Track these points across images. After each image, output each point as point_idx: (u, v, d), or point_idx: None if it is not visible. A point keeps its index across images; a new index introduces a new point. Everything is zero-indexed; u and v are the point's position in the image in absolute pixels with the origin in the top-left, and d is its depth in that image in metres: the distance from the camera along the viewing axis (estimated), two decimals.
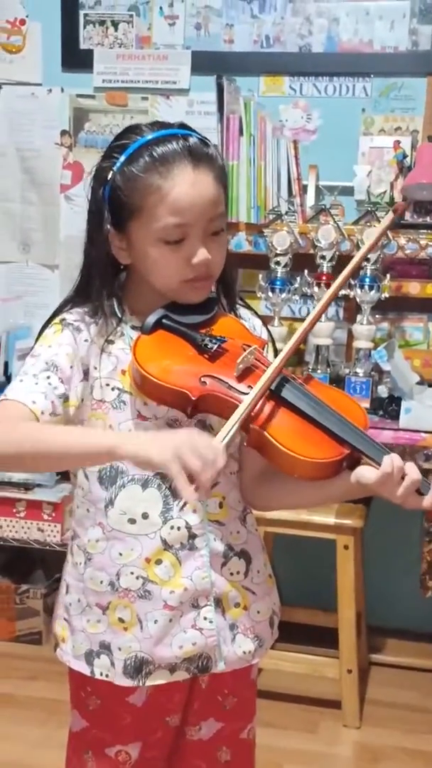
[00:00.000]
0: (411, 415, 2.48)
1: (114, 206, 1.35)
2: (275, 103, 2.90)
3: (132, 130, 1.38)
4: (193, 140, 1.34)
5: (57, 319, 1.40)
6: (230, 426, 1.24)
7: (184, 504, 1.22)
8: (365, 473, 1.28)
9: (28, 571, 3.11)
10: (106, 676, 1.43)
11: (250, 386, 1.31)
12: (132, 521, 1.38)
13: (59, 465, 1.42)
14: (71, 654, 1.46)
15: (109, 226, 1.35)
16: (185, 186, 1.31)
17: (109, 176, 1.35)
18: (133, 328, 1.40)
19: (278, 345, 2.56)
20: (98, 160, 1.40)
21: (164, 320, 1.37)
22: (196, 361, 1.35)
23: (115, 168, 1.34)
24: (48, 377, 1.32)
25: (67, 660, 1.47)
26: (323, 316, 2.62)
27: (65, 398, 1.33)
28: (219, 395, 1.30)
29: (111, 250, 1.37)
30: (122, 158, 1.34)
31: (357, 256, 1.43)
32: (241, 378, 1.33)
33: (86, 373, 1.37)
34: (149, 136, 1.34)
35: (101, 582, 1.41)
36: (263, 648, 1.49)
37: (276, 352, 1.49)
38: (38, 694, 2.71)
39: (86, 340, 1.38)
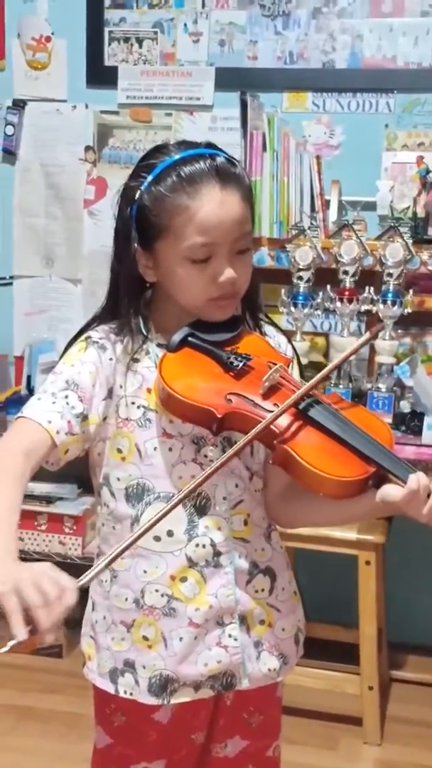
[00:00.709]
0: None
1: (141, 225, 1.36)
2: (298, 119, 2.91)
3: (159, 149, 1.39)
4: (220, 160, 1.35)
5: (82, 337, 1.41)
6: (95, 569, 1.16)
7: (17, 644, 1.07)
8: (391, 491, 1.27)
9: None
10: (131, 694, 1.43)
11: (275, 404, 1.32)
12: (157, 539, 1.38)
13: None
14: (96, 672, 1.47)
15: (136, 245, 1.36)
16: (212, 206, 1.32)
17: (137, 196, 1.36)
18: (159, 345, 1.40)
19: (301, 359, 2.59)
20: (125, 179, 1.41)
21: (190, 338, 1.38)
22: (221, 378, 1.35)
23: (142, 187, 1.35)
24: (66, 396, 1.33)
25: (92, 678, 1.48)
26: (345, 330, 2.66)
27: (84, 417, 1.34)
28: (244, 413, 1.31)
29: (138, 268, 1.38)
30: (150, 178, 1.35)
31: (332, 364, 1.48)
32: (266, 396, 1.33)
33: (110, 392, 1.38)
34: (176, 156, 1.35)
35: (126, 599, 1.42)
36: (288, 665, 1.49)
37: (301, 369, 1.49)
38: (58, 707, 2.71)
39: (111, 359, 1.38)
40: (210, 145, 1.39)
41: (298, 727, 2.59)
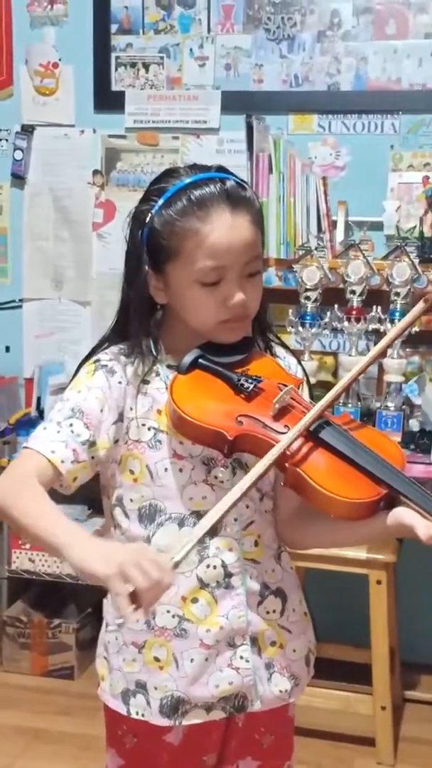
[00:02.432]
0: None
1: (152, 248, 1.37)
2: (304, 141, 2.94)
3: (170, 173, 1.40)
4: (230, 183, 1.35)
5: (91, 360, 1.42)
6: (188, 545, 1.19)
7: (123, 623, 1.15)
8: (411, 520, 1.25)
9: (61, 606, 3.12)
10: (142, 715, 1.43)
11: (286, 426, 1.32)
12: None
13: (32, 541, 1.33)
14: (109, 693, 1.47)
15: (147, 267, 1.37)
16: (223, 230, 1.33)
17: (147, 219, 1.37)
18: (169, 367, 1.41)
19: (310, 380, 2.60)
20: (133, 202, 1.42)
21: (200, 360, 1.38)
22: (232, 400, 1.35)
23: (153, 211, 1.37)
24: (71, 425, 1.34)
25: (106, 699, 1.48)
26: (353, 349, 2.67)
27: (91, 444, 1.34)
28: (255, 435, 1.31)
29: (148, 290, 1.39)
30: (160, 201, 1.36)
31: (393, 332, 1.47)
32: (277, 417, 1.34)
33: (121, 415, 1.39)
34: (187, 180, 1.36)
35: (137, 620, 1.42)
36: (299, 687, 1.49)
37: (311, 390, 1.50)
38: (71, 729, 2.71)
39: (120, 382, 1.39)
40: (221, 169, 1.40)
41: (312, 748, 2.58)
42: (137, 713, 1.43)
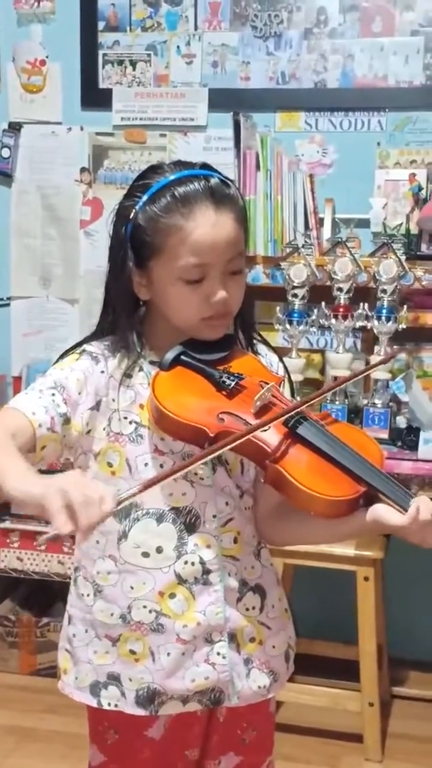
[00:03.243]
0: (430, 446, 2.47)
1: (135, 244, 1.37)
2: (291, 138, 2.94)
3: (154, 169, 1.40)
4: (214, 181, 1.36)
5: (77, 349, 1.43)
6: (135, 488, 1.20)
7: (55, 536, 1.13)
8: (388, 515, 1.27)
9: (49, 605, 3.12)
10: (116, 706, 1.43)
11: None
12: (146, 555, 1.39)
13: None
14: (73, 686, 1.47)
15: (131, 264, 1.38)
16: (206, 227, 1.33)
17: (131, 215, 1.37)
18: (151, 363, 1.42)
19: (297, 376, 2.59)
20: (120, 198, 1.42)
21: (183, 356, 1.39)
22: (214, 397, 1.36)
23: (137, 207, 1.37)
24: (53, 395, 1.34)
25: (69, 692, 1.48)
26: (341, 347, 2.67)
27: (66, 419, 1.35)
28: (236, 432, 1.31)
29: (132, 286, 1.39)
30: (144, 198, 1.36)
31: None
32: (258, 415, 1.34)
33: (98, 404, 1.39)
34: (171, 177, 1.36)
35: (112, 614, 1.42)
36: (278, 683, 1.49)
37: (292, 388, 1.50)
38: (59, 728, 2.70)
39: (102, 372, 1.39)
40: (205, 166, 1.40)
41: (299, 744, 2.59)
42: (110, 704, 1.43)
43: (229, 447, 1.27)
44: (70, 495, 1.11)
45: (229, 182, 1.39)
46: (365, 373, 1.44)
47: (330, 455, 1.32)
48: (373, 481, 1.29)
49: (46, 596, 3.12)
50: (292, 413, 1.33)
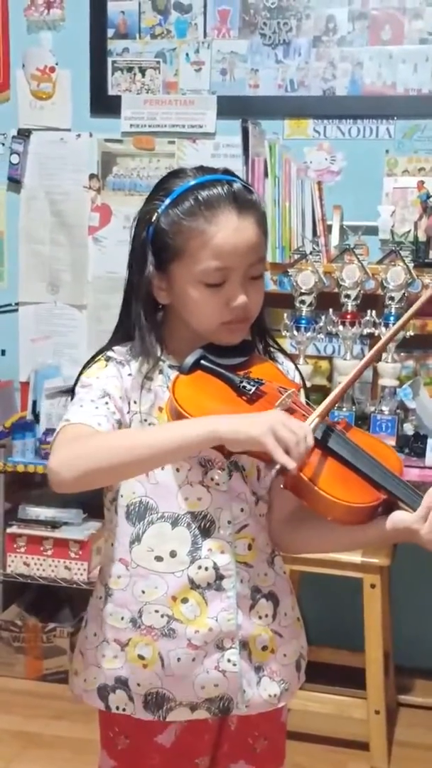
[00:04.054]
0: None
1: (157, 247, 1.38)
2: (300, 146, 2.95)
3: (176, 174, 1.41)
4: (237, 186, 1.37)
5: (101, 356, 1.43)
6: (315, 414, 1.31)
7: (280, 470, 1.23)
8: (402, 516, 1.29)
9: (55, 610, 3.12)
10: (123, 710, 1.43)
11: None
12: (159, 559, 1.39)
13: (155, 463, 1.33)
14: (82, 687, 1.47)
15: (151, 267, 1.38)
16: (229, 231, 1.34)
17: (153, 218, 1.38)
18: (170, 367, 1.42)
19: (306, 384, 2.59)
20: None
21: (203, 361, 1.39)
22: (234, 402, 1.36)
23: (159, 210, 1.37)
24: (106, 404, 1.35)
25: (78, 693, 1.48)
26: (348, 353, 2.67)
27: (120, 425, 1.36)
28: None
29: (152, 290, 1.40)
30: (167, 201, 1.37)
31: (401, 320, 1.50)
32: None
33: (130, 406, 1.40)
34: (195, 181, 1.37)
35: (122, 618, 1.42)
36: (289, 692, 1.48)
37: (307, 396, 1.50)
38: (65, 733, 2.70)
39: (129, 374, 1.40)
40: (227, 172, 1.41)
41: (305, 752, 2.58)
42: (117, 708, 1.43)
43: (322, 410, 1.34)
44: (282, 435, 1.22)
45: (251, 188, 1.40)
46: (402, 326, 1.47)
47: (350, 462, 1.32)
48: (393, 489, 1.30)
49: (52, 601, 3.12)
50: (323, 419, 1.34)
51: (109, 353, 1.43)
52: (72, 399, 1.40)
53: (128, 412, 1.39)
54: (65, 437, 1.31)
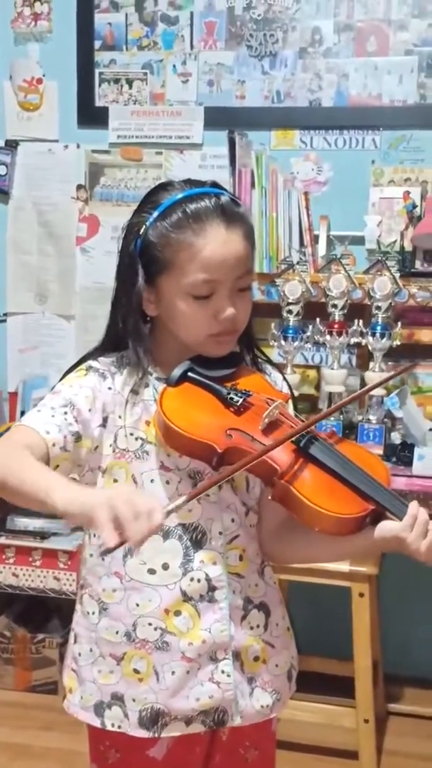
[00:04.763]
0: (424, 462, 2.49)
1: (145, 260, 1.38)
2: (286, 156, 2.96)
3: (164, 187, 1.42)
4: (225, 199, 1.38)
5: (83, 365, 1.43)
6: (180, 499, 1.21)
7: (106, 551, 1.14)
8: (389, 525, 1.30)
9: (44, 621, 3.11)
10: (119, 727, 1.43)
11: (275, 440, 1.33)
12: (152, 572, 1.39)
13: (22, 500, 1.28)
14: (79, 705, 1.47)
15: (140, 279, 1.38)
16: (217, 244, 1.34)
17: (141, 231, 1.39)
18: (158, 379, 1.42)
19: (294, 393, 2.60)
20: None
21: (190, 373, 1.39)
22: (221, 414, 1.37)
23: (147, 223, 1.38)
24: (65, 413, 1.34)
25: (74, 711, 1.48)
26: (336, 363, 2.69)
27: (78, 437, 1.35)
28: (245, 448, 1.32)
29: (141, 302, 1.40)
30: (155, 214, 1.38)
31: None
32: (266, 432, 1.35)
33: (105, 420, 1.39)
34: (183, 194, 1.38)
35: (117, 632, 1.42)
36: (281, 702, 1.49)
37: (295, 406, 1.51)
38: (54, 744, 2.69)
39: (110, 388, 1.39)
40: (215, 185, 1.42)
41: (294, 761, 2.58)
42: (113, 725, 1.43)
43: (247, 466, 1.28)
44: (119, 508, 1.12)
45: (238, 201, 1.41)
46: (382, 384, 1.47)
47: (339, 473, 1.33)
48: (381, 499, 1.31)
49: (41, 612, 3.11)
50: (303, 431, 1.34)
51: (92, 362, 1.42)
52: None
53: (100, 426, 1.38)
54: (9, 436, 1.32)
